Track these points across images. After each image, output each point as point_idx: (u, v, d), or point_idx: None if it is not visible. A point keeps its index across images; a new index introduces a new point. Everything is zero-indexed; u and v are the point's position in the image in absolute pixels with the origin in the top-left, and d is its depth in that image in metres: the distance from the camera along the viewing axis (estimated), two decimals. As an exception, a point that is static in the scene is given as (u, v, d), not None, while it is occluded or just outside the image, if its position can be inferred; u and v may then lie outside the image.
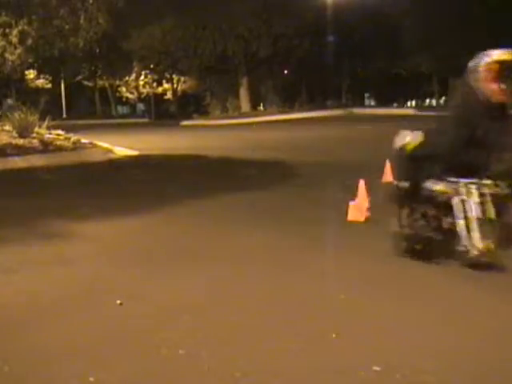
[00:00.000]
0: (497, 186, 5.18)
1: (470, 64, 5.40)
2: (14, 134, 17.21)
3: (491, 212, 5.16)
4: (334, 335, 4.06)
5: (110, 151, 18.07)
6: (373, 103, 65.15)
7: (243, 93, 45.78)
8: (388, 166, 11.02)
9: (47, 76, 53.98)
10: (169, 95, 57.23)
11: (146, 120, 52.36)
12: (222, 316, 4.52)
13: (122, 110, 65.69)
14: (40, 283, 5.45)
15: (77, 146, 17.25)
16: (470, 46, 39.88)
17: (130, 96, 59.52)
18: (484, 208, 5.16)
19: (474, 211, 5.16)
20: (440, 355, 3.76)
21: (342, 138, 22.67)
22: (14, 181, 12.89)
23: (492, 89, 5.29)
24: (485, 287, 5.06)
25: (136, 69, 51.85)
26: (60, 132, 18.59)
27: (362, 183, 8.47)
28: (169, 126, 36.98)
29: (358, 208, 7.70)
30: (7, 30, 20.24)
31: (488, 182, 5.21)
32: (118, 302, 4.78)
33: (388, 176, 10.95)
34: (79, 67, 51.86)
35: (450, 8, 40.04)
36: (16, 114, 17.61)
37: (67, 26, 20.50)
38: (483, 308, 4.59)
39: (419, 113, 43.26)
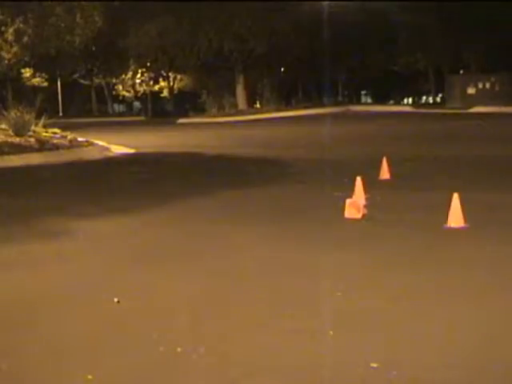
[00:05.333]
0: None
1: None
2: (11, 132, 17.19)
3: None
4: (331, 332, 4.07)
5: (107, 149, 18.06)
6: (369, 101, 65.18)
7: (240, 90, 45.70)
8: (385, 162, 11.05)
9: (43, 74, 53.80)
10: (165, 93, 57.10)
11: (142, 118, 52.30)
12: (219, 314, 4.53)
13: (118, 108, 65.50)
14: (38, 281, 5.46)
15: (73, 145, 17.22)
16: (468, 44, 39.65)
17: (127, 94, 59.37)
18: None
19: None
20: (439, 351, 3.76)
21: (339, 136, 22.66)
22: (10, 179, 12.87)
23: None
24: (488, 287, 5.08)
25: (132, 67, 51.70)
26: (56, 130, 18.56)
27: (358, 180, 8.50)
28: (165, 123, 36.94)
29: (355, 205, 7.71)
30: (3, 28, 20.21)
31: None
32: (116, 299, 4.79)
33: (385, 173, 10.98)
34: (75, 65, 51.67)
35: (447, 5, 40.03)
36: (12, 113, 17.58)
37: (63, 24, 20.47)
38: (486, 303, 4.60)
39: (416, 110, 43.34)
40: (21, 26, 19.87)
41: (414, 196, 9.39)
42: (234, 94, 45.89)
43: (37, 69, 50.06)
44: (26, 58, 24.62)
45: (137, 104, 64.82)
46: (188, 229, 7.53)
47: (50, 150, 16.08)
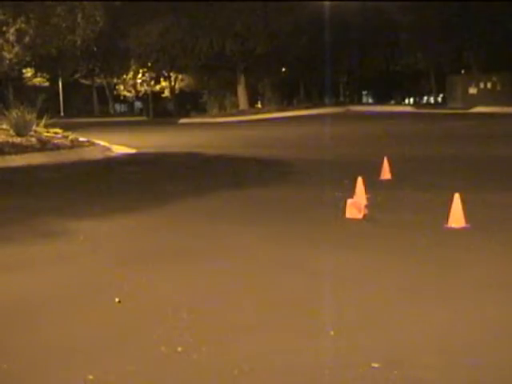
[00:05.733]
0: None
1: None
2: (12, 132, 17.20)
3: None
4: (332, 332, 4.07)
5: (108, 149, 18.07)
6: (370, 101, 65.17)
7: (241, 90, 45.74)
8: (386, 162, 11.05)
9: (45, 74, 53.87)
10: (166, 93, 57.12)
11: (143, 118, 52.33)
12: (219, 314, 4.53)
13: (119, 108, 65.57)
14: (38, 281, 5.46)
15: (75, 145, 17.24)
16: (469, 44, 39.66)
17: (128, 94, 59.43)
18: None
19: None
20: (441, 351, 3.76)
21: (340, 136, 22.67)
22: (11, 179, 12.88)
23: None
24: (488, 287, 5.08)
25: (133, 67, 51.74)
26: (58, 130, 18.58)
27: (359, 181, 8.49)
28: (166, 123, 36.97)
29: (356, 205, 7.71)
30: (4, 28, 20.22)
31: None
32: (117, 299, 4.79)
33: (386, 173, 10.98)
34: (77, 65, 51.75)
35: (448, 5, 40.02)
36: (14, 113, 17.60)
37: (64, 24, 20.47)
38: (486, 303, 4.60)
39: (417, 110, 43.33)
40: (22, 26, 19.88)
41: (415, 196, 9.39)
42: (235, 94, 45.94)
43: (38, 69, 50.16)
44: (28, 58, 24.64)
45: (138, 104, 64.86)
46: (188, 229, 7.53)
47: (51, 150, 16.09)
